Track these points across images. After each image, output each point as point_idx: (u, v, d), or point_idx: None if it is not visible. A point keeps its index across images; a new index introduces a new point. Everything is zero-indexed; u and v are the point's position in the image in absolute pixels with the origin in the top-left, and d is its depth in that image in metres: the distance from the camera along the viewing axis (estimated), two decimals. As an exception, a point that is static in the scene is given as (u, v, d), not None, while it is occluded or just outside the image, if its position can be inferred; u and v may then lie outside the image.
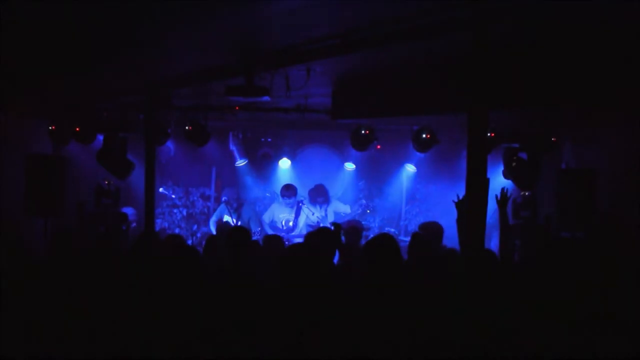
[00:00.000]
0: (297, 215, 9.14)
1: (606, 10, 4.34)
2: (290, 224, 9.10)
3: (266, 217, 9.38)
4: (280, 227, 9.16)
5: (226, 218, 9.33)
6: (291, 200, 9.11)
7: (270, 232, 9.05)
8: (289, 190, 9.10)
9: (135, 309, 3.31)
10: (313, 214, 9.06)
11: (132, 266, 3.78)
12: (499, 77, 4.78)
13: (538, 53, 5.51)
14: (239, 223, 9.08)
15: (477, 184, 4.21)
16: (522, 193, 8.21)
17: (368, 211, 10.08)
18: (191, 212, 10.49)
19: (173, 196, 10.40)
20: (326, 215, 9.15)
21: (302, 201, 9.19)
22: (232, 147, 10.33)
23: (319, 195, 9.22)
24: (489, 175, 4.29)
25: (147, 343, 3.15)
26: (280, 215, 9.23)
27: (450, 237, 9.28)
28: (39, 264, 4.62)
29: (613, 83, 5.71)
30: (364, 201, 10.17)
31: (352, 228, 7.36)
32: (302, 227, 9.09)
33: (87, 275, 4.26)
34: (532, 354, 3.16)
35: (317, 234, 5.70)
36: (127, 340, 3.20)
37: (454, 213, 5.08)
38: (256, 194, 10.58)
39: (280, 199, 9.26)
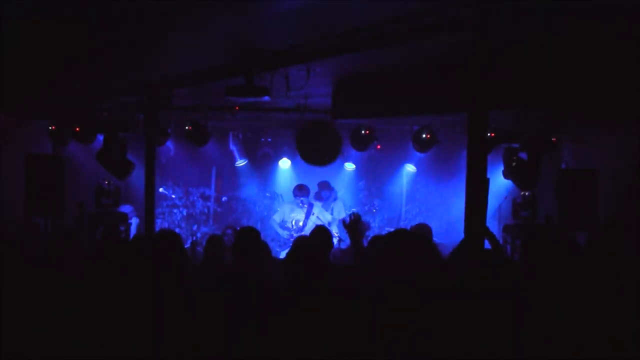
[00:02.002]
0: (308, 215, 9.17)
1: (606, 10, 4.34)
2: (300, 224, 9.13)
3: (277, 217, 9.39)
4: (290, 227, 9.19)
5: None
6: (303, 200, 9.16)
7: (280, 232, 9.10)
8: (301, 190, 9.14)
9: (134, 309, 3.31)
10: (324, 216, 9.17)
11: (129, 265, 3.77)
12: (499, 77, 4.78)
13: (538, 53, 5.51)
14: None
15: (477, 184, 4.21)
16: (522, 193, 8.21)
17: (374, 210, 10.12)
18: (191, 212, 10.49)
19: (173, 196, 10.40)
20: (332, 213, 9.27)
21: (312, 203, 9.27)
22: (232, 147, 10.34)
23: (324, 190, 9.29)
24: (489, 175, 4.29)
25: (146, 344, 3.15)
26: (291, 215, 9.26)
27: (446, 235, 9.34)
28: (39, 264, 4.62)
29: (613, 83, 5.71)
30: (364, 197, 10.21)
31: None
32: (311, 227, 9.13)
33: (86, 275, 4.25)
34: (532, 355, 3.16)
35: (316, 233, 5.71)
36: (126, 341, 3.20)
37: (453, 213, 5.08)
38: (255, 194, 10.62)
39: (293, 198, 9.32)
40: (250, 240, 4.96)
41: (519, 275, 3.76)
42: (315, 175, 10.18)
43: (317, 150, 8.71)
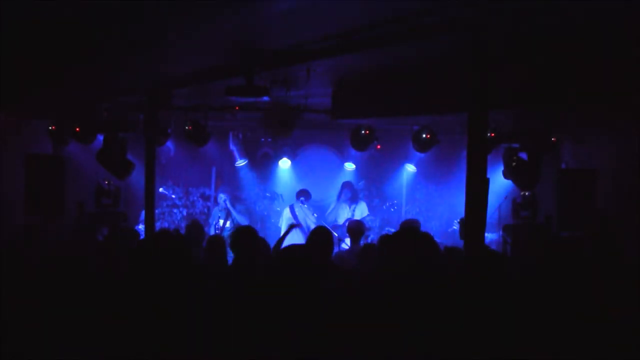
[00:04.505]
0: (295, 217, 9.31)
1: (606, 11, 4.34)
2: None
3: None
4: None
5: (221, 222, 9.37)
6: (302, 200, 9.35)
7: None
8: (302, 194, 9.40)
9: (135, 309, 3.31)
10: (313, 214, 9.32)
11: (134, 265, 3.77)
12: (499, 77, 4.78)
13: (538, 53, 5.51)
14: (230, 223, 9.21)
15: (477, 184, 4.21)
16: (522, 193, 8.20)
17: (393, 209, 10.20)
18: (191, 212, 10.49)
19: (173, 196, 10.41)
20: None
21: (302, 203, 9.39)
22: (232, 147, 10.34)
23: (345, 189, 9.51)
24: (489, 175, 4.29)
25: (146, 344, 3.15)
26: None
27: (446, 235, 9.35)
28: (39, 264, 4.62)
29: (614, 83, 5.70)
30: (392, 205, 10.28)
31: (355, 228, 7.36)
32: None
33: (88, 275, 4.26)
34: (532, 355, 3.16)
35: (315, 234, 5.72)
36: (126, 341, 3.20)
37: (453, 213, 5.09)
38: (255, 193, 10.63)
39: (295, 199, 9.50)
40: (247, 240, 4.94)
41: (518, 274, 3.77)
42: (315, 176, 10.19)
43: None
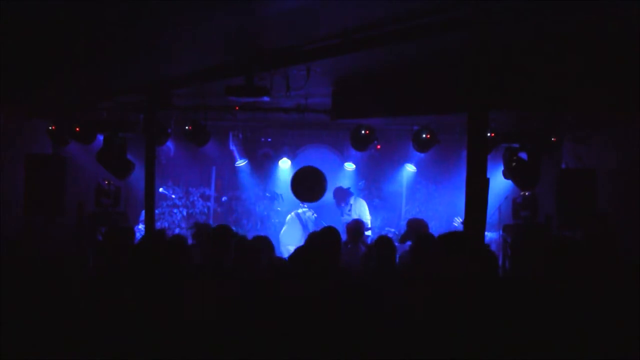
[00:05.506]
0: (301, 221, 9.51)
1: (605, 12, 4.34)
2: None
3: None
4: None
5: None
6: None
7: None
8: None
9: (136, 308, 3.31)
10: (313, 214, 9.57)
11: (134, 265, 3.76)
12: (499, 77, 4.78)
13: (538, 53, 5.51)
14: None
15: (477, 184, 4.21)
16: (522, 193, 8.20)
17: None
18: (191, 212, 10.48)
19: (173, 196, 10.40)
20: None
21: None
22: (232, 147, 10.33)
23: (335, 197, 9.67)
24: (489, 175, 4.29)
25: (145, 343, 3.15)
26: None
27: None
28: (39, 264, 4.62)
29: (614, 83, 5.71)
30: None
31: (355, 228, 7.35)
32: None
33: (89, 275, 4.26)
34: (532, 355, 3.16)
35: (319, 234, 5.70)
36: (125, 339, 3.20)
37: (452, 212, 5.09)
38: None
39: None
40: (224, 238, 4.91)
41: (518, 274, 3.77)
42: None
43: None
